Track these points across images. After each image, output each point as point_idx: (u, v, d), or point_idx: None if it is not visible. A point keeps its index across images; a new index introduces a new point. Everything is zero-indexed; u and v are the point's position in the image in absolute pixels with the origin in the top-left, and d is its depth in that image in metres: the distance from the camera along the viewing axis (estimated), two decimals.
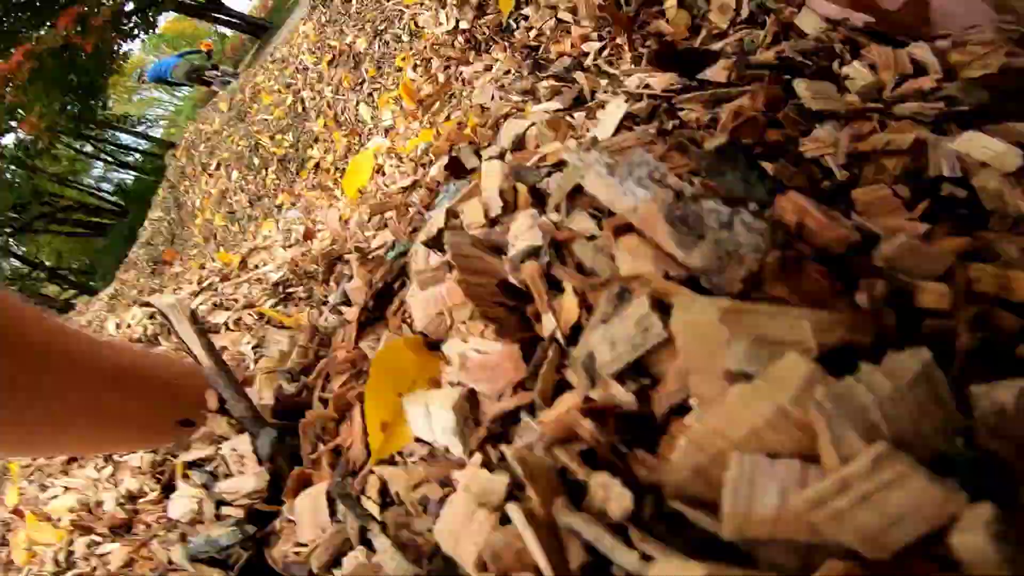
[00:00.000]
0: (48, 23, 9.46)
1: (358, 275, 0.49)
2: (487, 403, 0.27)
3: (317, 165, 2.47)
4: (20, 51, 9.05)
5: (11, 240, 12.89)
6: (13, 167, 11.73)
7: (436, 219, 0.40)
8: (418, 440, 0.30)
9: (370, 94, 1.98)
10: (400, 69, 1.83)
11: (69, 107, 10.53)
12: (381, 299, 0.44)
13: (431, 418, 0.28)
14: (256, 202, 2.94)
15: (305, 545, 0.34)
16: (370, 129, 2.00)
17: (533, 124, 0.50)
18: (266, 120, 2.86)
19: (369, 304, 0.44)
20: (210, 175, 3.42)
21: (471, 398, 0.28)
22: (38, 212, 12.80)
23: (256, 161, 2.92)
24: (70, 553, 0.66)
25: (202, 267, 1.38)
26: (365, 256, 0.52)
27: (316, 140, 2.47)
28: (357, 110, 2.05)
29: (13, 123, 10.33)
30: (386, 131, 1.72)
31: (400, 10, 1.89)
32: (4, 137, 10.81)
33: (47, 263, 14.44)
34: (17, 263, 13.53)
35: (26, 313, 0.44)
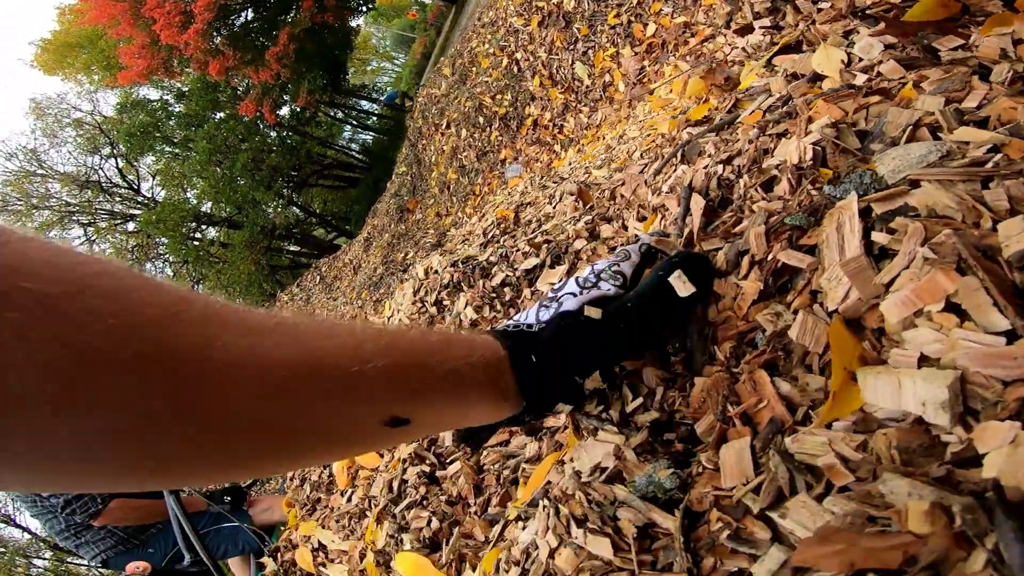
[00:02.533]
0: (296, 6, 11.07)
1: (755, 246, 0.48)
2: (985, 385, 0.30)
3: (535, 122, 2.59)
4: (283, 34, 10.69)
5: (293, 194, 15.54)
6: (290, 134, 14.08)
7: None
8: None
9: (584, 52, 2.02)
10: (614, 26, 1.84)
11: (323, 80, 12.28)
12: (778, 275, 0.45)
13: (908, 392, 0.32)
14: (482, 157, 3.18)
15: (725, 490, 0.38)
16: (587, 87, 2.05)
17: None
18: (486, 82, 3.05)
19: (768, 280, 0.44)
20: (442, 134, 3.76)
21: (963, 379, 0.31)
22: (309, 170, 15.25)
23: (480, 120, 3.14)
24: (403, 482, 0.74)
25: (481, 218, 1.48)
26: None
27: (533, 99, 2.58)
28: (573, 69, 2.10)
29: (286, 96, 12.35)
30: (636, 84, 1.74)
31: None
32: (281, 110, 12.95)
33: (317, 211, 17.24)
34: (297, 211, 16.36)
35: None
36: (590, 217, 0.88)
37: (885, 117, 0.47)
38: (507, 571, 0.47)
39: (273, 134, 13.95)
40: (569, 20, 2.07)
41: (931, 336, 0.33)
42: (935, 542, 0.27)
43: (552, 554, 0.43)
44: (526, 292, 0.86)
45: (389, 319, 1.17)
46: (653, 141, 1.08)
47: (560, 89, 2.28)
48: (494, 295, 0.89)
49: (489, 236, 1.07)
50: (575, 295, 0.47)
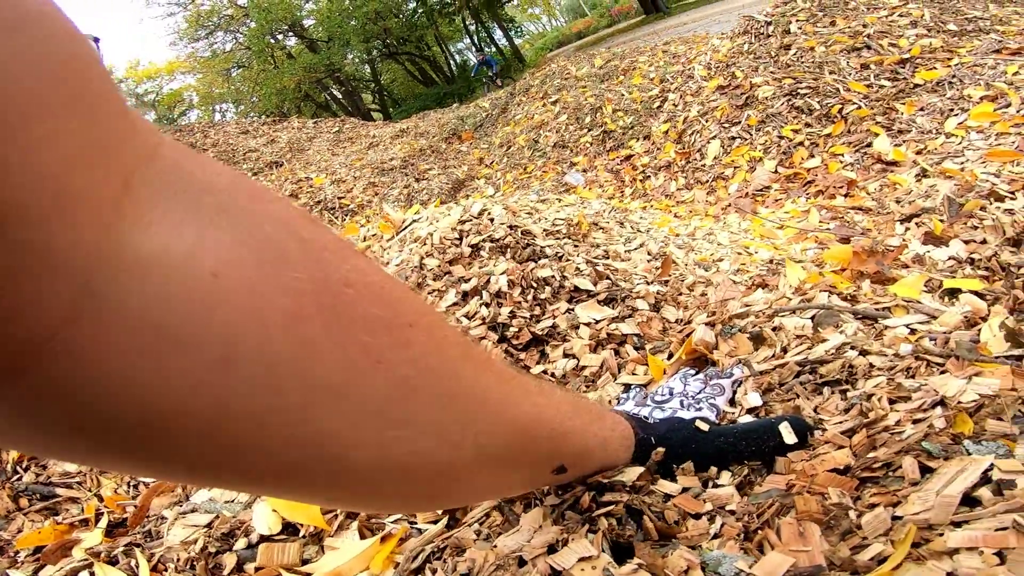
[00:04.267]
0: None
1: None
2: None
3: (629, 157, 2.50)
4: None
5: (378, 56, 15.15)
6: (422, 12, 13.80)
7: None
8: None
9: (732, 138, 1.92)
10: (782, 137, 1.75)
11: None
12: None
13: None
14: (559, 147, 3.07)
15: None
16: (702, 164, 1.96)
17: None
18: (621, 94, 2.94)
19: None
20: (543, 104, 3.63)
21: None
22: (409, 48, 14.86)
23: (587, 120, 3.03)
24: None
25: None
26: None
27: (647, 138, 2.49)
28: (707, 143, 2.01)
29: None
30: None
31: (837, 87, 1.78)
32: None
33: (382, 81, 16.79)
34: (368, 70, 15.91)
35: (474, 352, 0.33)
36: (663, 289, 0.80)
37: None
38: None
39: (412, 4, 13.67)
40: (748, 104, 1.97)
41: None
42: None
43: None
44: (562, 305, 0.77)
45: (408, 226, 1.06)
46: (746, 261, 1.00)
47: (678, 148, 2.19)
48: (534, 285, 0.79)
49: (555, 229, 0.97)
50: (682, 408, 0.53)
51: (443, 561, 0.44)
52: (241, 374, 0.21)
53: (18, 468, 0.79)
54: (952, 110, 1.49)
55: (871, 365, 0.51)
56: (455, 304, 0.81)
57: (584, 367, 0.68)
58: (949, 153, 1.29)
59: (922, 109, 1.57)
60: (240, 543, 0.55)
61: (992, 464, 0.37)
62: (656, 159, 2.26)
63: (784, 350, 0.57)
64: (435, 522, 0.50)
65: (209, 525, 0.58)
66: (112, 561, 0.57)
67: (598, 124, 2.90)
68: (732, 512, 0.41)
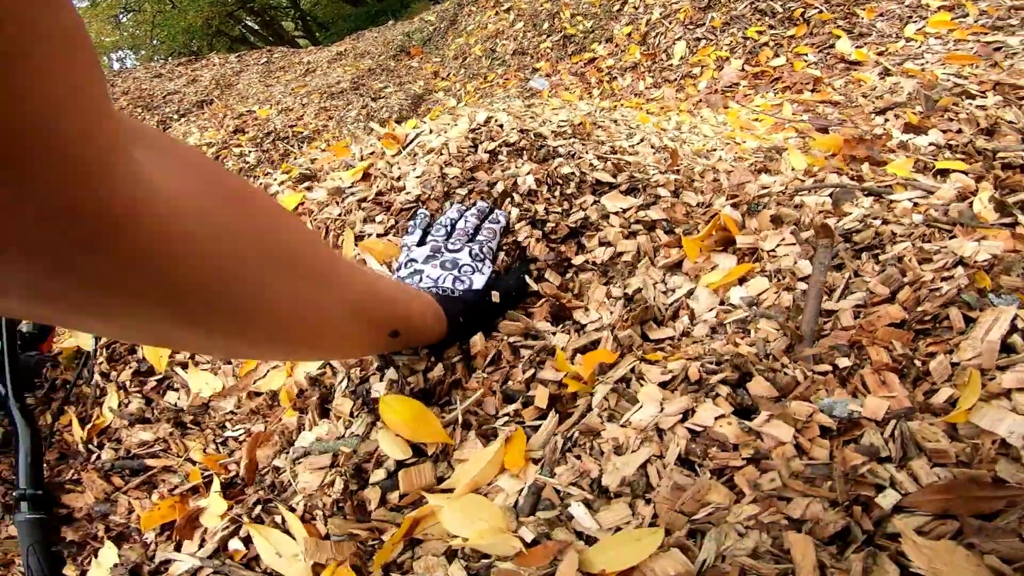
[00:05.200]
0: None
1: None
2: None
3: (593, 59, 2.46)
4: None
5: None
6: None
7: None
8: None
9: (697, 39, 1.93)
10: (747, 38, 1.77)
11: None
12: None
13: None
14: (519, 55, 2.98)
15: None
16: (669, 64, 1.96)
17: None
18: None
19: None
20: (496, 13, 3.47)
21: None
22: None
23: (544, 26, 2.93)
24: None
25: None
26: None
27: (609, 41, 2.44)
28: (673, 44, 2.01)
29: None
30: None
31: None
32: None
33: (302, 5, 15.29)
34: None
35: (291, 221, 0.41)
36: (678, 177, 0.84)
37: None
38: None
39: None
40: (711, 6, 1.95)
41: None
42: None
43: None
44: (588, 198, 0.81)
45: (414, 139, 1.05)
46: (738, 150, 1.05)
47: (643, 50, 2.17)
48: (559, 182, 0.82)
49: (561, 130, 0.99)
50: (472, 267, 0.68)
51: (584, 447, 0.49)
52: (223, 247, 0.33)
53: (90, 447, 0.77)
54: (911, 17, 1.55)
55: (894, 233, 0.58)
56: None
57: (621, 253, 0.72)
58: (909, 55, 1.35)
59: (882, 15, 1.62)
60: (377, 475, 0.55)
61: (1016, 314, 0.45)
62: (621, 61, 2.24)
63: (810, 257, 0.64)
64: (542, 418, 0.54)
65: (334, 465, 0.58)
66: (257, 520, 0.57)
67: (557, 30, 2.81)
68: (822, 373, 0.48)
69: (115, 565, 0.63)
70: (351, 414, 0.62)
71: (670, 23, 2.09)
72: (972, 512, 0.37)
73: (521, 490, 0.48)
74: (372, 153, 1.05)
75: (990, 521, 0.36)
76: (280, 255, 0.38)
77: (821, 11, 1.72)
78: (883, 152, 0.80)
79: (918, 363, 0.45)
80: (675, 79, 1.91)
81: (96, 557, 0.66)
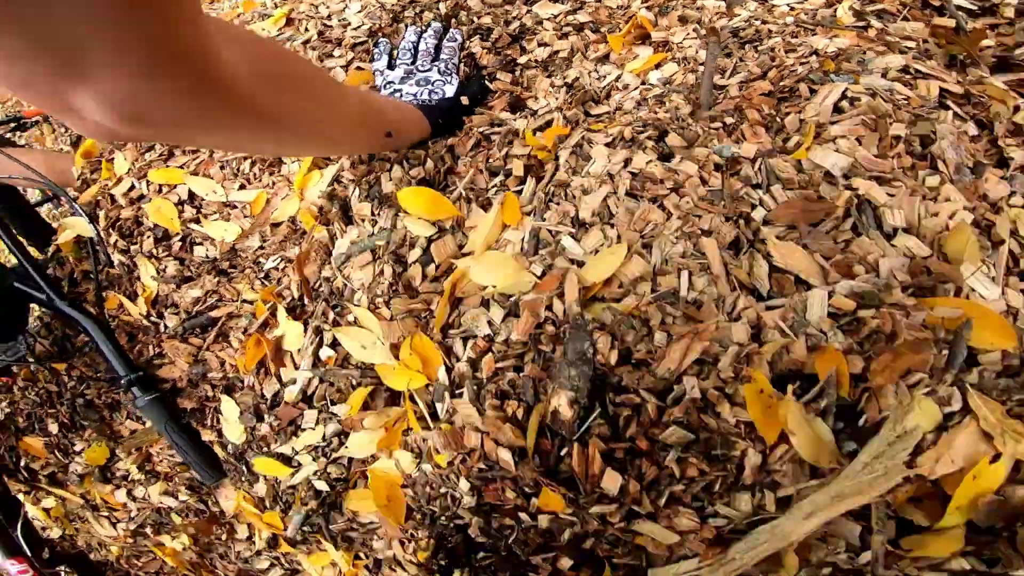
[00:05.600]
0: None
1: None
2: None
3: None
4: None
5: None
6: None
7: None
8: None
9: None
10: None
11: None
12: None
13: None
14: None
15: None
16: None
17: None
18: None
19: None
20: None
21: None
22: None
23: None
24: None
25: None
26: None
27: None
28: None
29: None
30: None
31: None
32: None
33: None
34: None
35: (307, 66, 0.64)
36: None
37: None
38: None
39: None
40: None
41: None
42: None
43: None
44: (522, 9, 0.89)
45: None
46: None
47: None
48: None
49: None
50: (443, 81, 0.80)
51: (560, 196, 0.66)
52: (272, 84, 0.53)
53: (152, 320, 0.81)
54: None
55: (770, 31, 0.76)
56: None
57: (558, 51, 0.85)
58: None
59: None
60: (414, 255, 0.68)
61: (846, 88, 0.66)
62: None
63: (709, 21, 0.80)
64: (522, 183, 0.69)
65: (375, 259, 0.70)
66: (334, 324, 0.70)
67: None
68: (715, 128, 0.67)
69: (241, 414, 0.75)
70: (372, 214, 0.74)
71: None
72: (807, 221, 0.59)
73: (523, 237, 0.65)
74: None
75: (816, 227, 0.59)
76: (303, 87, 0.57)
77: None
78: None
79: (779, 120, 0.66)
80: None
81: (222, 414, 0.77)
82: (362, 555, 0.77)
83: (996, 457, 0.48)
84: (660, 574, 0.56)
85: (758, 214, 0.61)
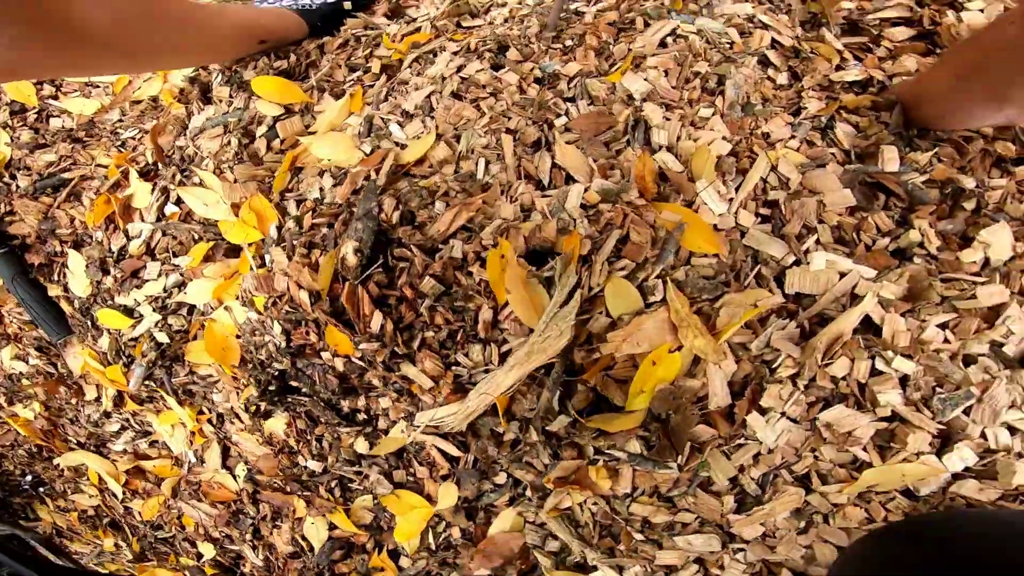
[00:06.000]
0: None
1: None
2: None
3: None
4: None
5: None
6: None
7: None
8: None
9: None
10: None
11: None
12: None
13: None
14: None
15: None
16: None
17: None
18: None
19: None
20: None
21: None
22: None
23: None
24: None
25: None
26: None
27: None
28: None
29: None
30: None
31: None
32: None
33: None
34: None
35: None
36: None
37: None
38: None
39: None
40: None
41: None
42: None
43: None
44: None
45: None
46: None
47: None
48: None
49: None
50: None
51: (400, 91, 0.72)
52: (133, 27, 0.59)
53: (3, 181, 0.86)
54: None
55: None
56: None
57: None
58: None
59: None
60: (260, 130, 0.74)
61: (678, 24, 0.70)
62: None
63: None
64: (377, 80, 0.75)
65: (226, 132, 0.76)
66: (180, 185, 0.75)
67: None
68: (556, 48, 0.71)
69: (86, 267, 0.81)
70: (230, 96, 0.80)
71: None
72: (593, 132, 0.64)
73: (360, 122, 0.72)
74: None
75: (597, 137, 0.64)
76: (168, 25, 0.63)
77: None
78: None
79: (611, 47, 0.70)
80: None
81: (69, 268, 0.82)
82: (205, 409, 0.85)
83: (679, 349, 0.54)
84: (421, 417, 0.63)
85: (560, 122, 0.66)
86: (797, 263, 0.55)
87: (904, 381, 0.50)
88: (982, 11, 0.73)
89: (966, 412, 0.50)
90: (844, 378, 0.52)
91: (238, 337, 0.74)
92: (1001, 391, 0.49)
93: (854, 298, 0.53)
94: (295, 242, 0.66)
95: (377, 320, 0.62)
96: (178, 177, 0.77)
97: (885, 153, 0.59)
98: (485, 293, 0.59)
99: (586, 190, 0.60)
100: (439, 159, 0.66)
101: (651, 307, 0.55)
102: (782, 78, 0.69)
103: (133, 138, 0.85)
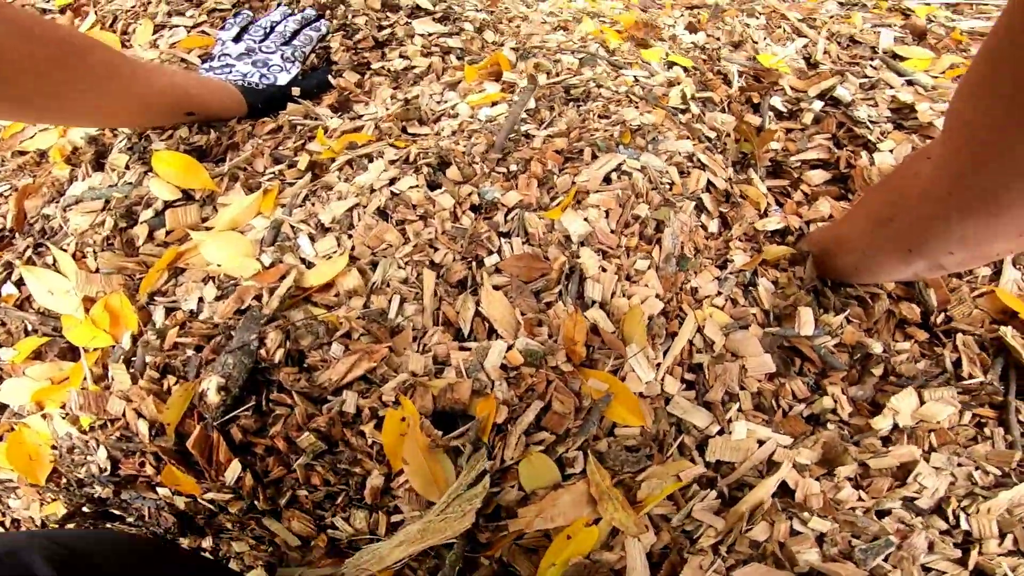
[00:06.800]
0: None
1: None
2: None
3: None
4: None
5: None
6: None
7: None
8: None
9: None
10: None
11: None
12: None
13: None
14: None
15: None
16: None
17: None
18: None
19: None
20: None
21: None
22: None
23: None
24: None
25: None
26: None
27: None
28: None
29: None
30: None
31: None
32: None
33: None
34: None
35: (81, 46, 0.58)
36: (488, 18, 0.93)
37: None
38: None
39: None
40: None
41: None
42: None
43: None
44: (402, 17, 0.88)
45: None
46: (563, 6, 1.14)
47: None
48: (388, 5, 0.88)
49: None
50: (280, 67, 0.76)
51: (319, 197, 0.62)
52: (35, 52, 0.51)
53: None
54: None
55: (600, 94, 0.73)
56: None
57: (415, 67, 0.82)
58: None
59: None
60: (146, 215, 0.63)
61: (624, 160, 0.63)
62: None
63: (557, 74, 0.78)
64: (301, 178, 0.66)
65: (105, 209, 0.64)
66: (29, 263, 0.62)
67: None
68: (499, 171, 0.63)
69: None
70: (126, 167, 0.69)
71: None
72: (525, 277, 0.56)
73: (267, 227, 0.62)
74: None
75: (528, 284, 0.56)
76: (82, 70, 0.55)
77: None
78: (654, 39, 0.94)
79: (555, 177, 0.63)
80: None
81: None
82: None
83: (596, 522, 0.46)
84: (283, 574, 0.51)
85: (491, 260, 0.57)
86: (720, 432, 0.52)
87: (820, 539, 0.46)
88: (891, 151, 0.71)
89: (886, 559, 0.46)
90: (765, 541, 0.46)
91: (53, 448, 0.60)
92: (920, 538, 0.47)
93: (772, 464, 0.50)
94: (148, 360, 0.54)
95: (234, 471, 0.50)
96: (29, 252, 0.64)
97: (801, 316, 0.58)
98: (378, 457, 0.48)
99: (510, 348, 0.51)
100: (348, 288, 0.56)
101: (569, 479, 0.47)
102: (713, 225, 0.63)
103: (1, 194, 0.72)
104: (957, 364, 0.58)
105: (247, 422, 0.51)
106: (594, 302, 0.54)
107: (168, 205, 0.64)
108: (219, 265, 0.59)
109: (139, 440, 0.53)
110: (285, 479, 0.51)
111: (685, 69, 0.84)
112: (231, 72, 0.74)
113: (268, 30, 0.80)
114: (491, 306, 0.53)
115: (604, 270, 0.55)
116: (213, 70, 0.75)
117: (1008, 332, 0.58)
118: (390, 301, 0.55)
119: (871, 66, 0.93)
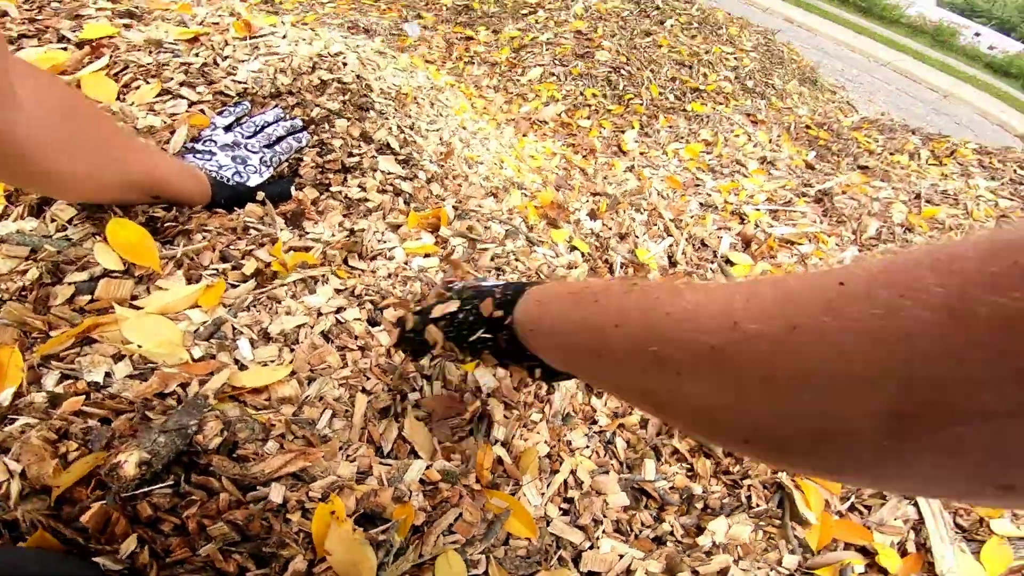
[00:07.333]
0: None
1: None
2: None
3: (469, 39, 2.56)
4: None
5: None
6: None
7: None
8: None
9: (552, 74, 2.19)
10: (583, 94, 2.09)
11: None
12: None
13: None
14: (407, 8, 2.95)
15: None
16: (517, 81, 2.21)
17: None
18: None
19: None
20: None
21: None
22: None
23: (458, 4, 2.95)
24: None
25: None
26: None
27: (495, 32, 2.59)
28: (533, 68, 2.24)
29: None
30: None
31: (643, 82, 2.14)
32: None
33: None
34: None
35: (91, 122, 0.60)
36: (439, 171, 1.09)
37: None
38: None
39: None
40: (585, 57, 2.22)
41: None
42: None
43: None
44: (372, 149, 1.01)
45: (265, 35, 1.13)
46: (496, 173, 1.34)
47: (510, 56, 2.36)
48: (363, 133, 1.01)
49: (387, 92, 1.16)
50: (255, 169, 0.82)
51: (266, 306, 0.70)
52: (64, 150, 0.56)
53: None
54: (684, 137, 1.99)
55: (517, 267, 0.89)
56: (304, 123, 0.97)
57: (369, 200, 0.94)
58: (654, 164, 1.77)
59: (671, 127, 2.06)
60: (80, 276, 0.62)
61: None
62: (489, 54, 2.40)
63: (485, 241, 0.94)
64: (244, 281, 0.72)
65: (30, 258, 0.63)
66: None
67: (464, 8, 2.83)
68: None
69: None
70: (70, 222, 0.69)
71: (546, 49, 2.34)
72: (443, 414, 0.67)
73: (206, 322, 0.66)
74: (216, 24, 1.09)
75: (445, 420, 0.67)
76: (88, 154, 0.59)
77: (642, 103, 2.13)
78: (563, 221, 1.16)
79: None
80: (512, 93, 2.17)
81: None
82: None
83: None
84: None
85: (414, 396, 0.68)
86: (591, 547, 0.67)
87: None
88: None
89: None
90: None
91: None
92: None
93: (630, 573, 0.66)
94: (29, 421, 0.53)
95: (129, 545, 0.51)
96: None
97: (646, 466, 0.78)
98: (303, 544, 0.53)
99: (428, 467, 0.62)
100: (281, 396, 0.63)
101: None
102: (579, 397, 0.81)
103: None
104: (749, 499, 0.79)
105: (159, 500, 0.54)
106: (498, 440, 0.69)
107: (106, 274, 0.64)
108: (139, 346, 0.59)
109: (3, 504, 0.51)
110: (191, 561, 0.53)
111: (583, 254, 1.05)
112: (210, 160, 0.80)
113: (258, 128, 0.88)
114: (413, 432, 0.64)
115: (507, 417, 0.69)
116: (195, 152, 0.80)
117: (783, 476, 0.81)
118: (321, 414, 0.63)
119: (711, 268, 1.21)
